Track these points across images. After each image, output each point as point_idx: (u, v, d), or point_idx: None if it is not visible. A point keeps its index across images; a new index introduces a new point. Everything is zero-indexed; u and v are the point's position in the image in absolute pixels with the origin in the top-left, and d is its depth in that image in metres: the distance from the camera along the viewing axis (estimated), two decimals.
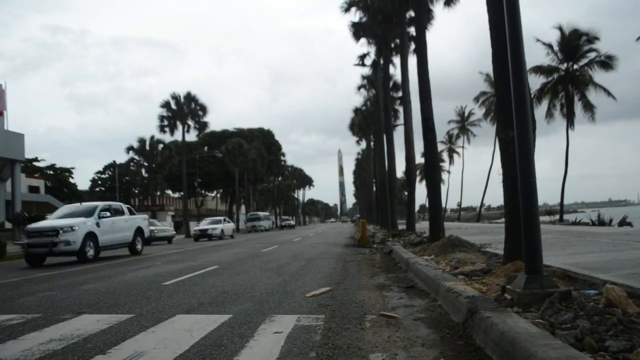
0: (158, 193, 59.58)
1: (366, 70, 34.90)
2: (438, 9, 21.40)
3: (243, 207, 65.87)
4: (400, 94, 27.92)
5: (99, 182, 64.11)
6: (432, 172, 14.43)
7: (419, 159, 25.21)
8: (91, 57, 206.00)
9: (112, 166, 61.37)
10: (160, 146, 53.75)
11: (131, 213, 17.93)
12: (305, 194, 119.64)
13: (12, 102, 79.32)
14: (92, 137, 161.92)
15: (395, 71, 30.16)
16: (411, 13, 20.93)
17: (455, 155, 67.46)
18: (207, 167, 60.35)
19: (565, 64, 34.55)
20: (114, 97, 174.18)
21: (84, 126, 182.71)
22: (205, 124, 47.46)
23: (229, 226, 35.93)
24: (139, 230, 17.65)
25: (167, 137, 49.75)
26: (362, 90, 39.99)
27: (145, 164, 55.46)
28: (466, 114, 60.33)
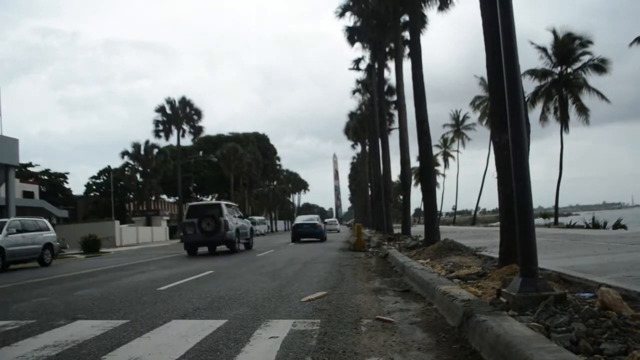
0: (153, 198, 59.35)
1: (361, 75, 35.06)
2: (432, 13, 21.54)
3: None
4: (395, 97, 28.01)
5: (94, 187, 63.78)
6: (427, 176, 14.45)
7: (414, 163, 25.23)
8: (82, 60, 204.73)
9: (106, 171, 61.15)
10: (155, 151, 53.68)
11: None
12: (300, 198, 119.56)
13: (4, 106, 79.09)
14: (85, 141, 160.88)
15: (389, 75, 30.23)
16: (405, 17, 21.04)
17: (450, 159, 67.60)
18: (202, 171, 60.24)
19: (559, 68, 34.79)
20: (106, 100, 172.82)
21: (77, 130, 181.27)
22: (200, 129, 47.31)
23: None
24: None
25: (162, 142, 49.66)
26: (357, 94, 40.19)
27: (140, 168, 55.34)
28: (461, 118, 60.50)
